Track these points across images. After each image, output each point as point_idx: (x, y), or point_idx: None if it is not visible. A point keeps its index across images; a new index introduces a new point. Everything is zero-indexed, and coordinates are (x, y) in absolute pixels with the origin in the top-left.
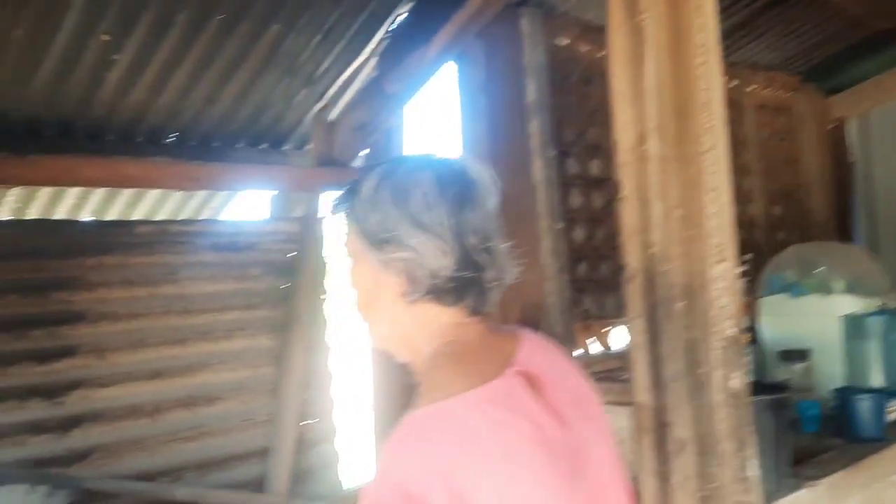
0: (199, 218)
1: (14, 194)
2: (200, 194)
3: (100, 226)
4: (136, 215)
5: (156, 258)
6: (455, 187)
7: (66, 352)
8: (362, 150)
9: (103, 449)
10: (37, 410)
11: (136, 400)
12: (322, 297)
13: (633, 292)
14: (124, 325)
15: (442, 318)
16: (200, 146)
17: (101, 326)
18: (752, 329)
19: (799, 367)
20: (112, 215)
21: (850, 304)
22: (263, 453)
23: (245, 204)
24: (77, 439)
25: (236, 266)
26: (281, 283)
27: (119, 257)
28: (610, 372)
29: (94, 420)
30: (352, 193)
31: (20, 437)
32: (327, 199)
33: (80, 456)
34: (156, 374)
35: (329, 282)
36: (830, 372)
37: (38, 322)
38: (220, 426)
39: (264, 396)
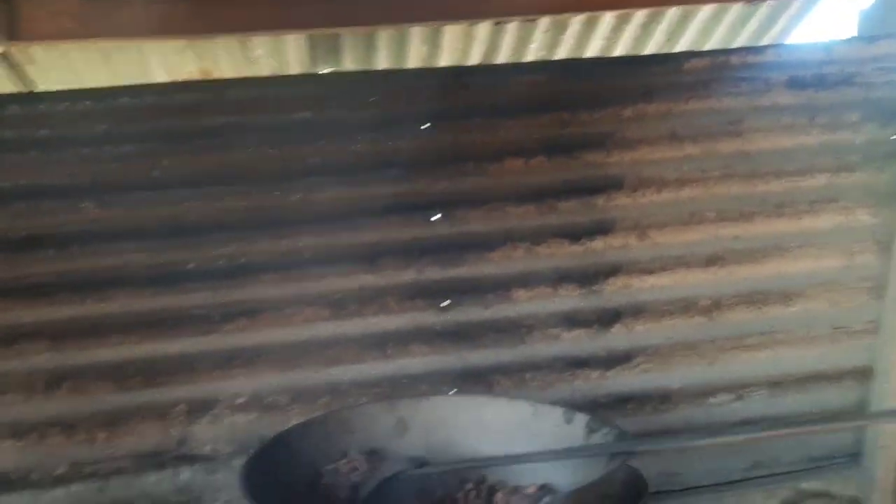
0: (768, 43)
1: (539, 35)
2: (763, 8)
3: (636, 64)
4: (681, 46)
5: (711, 103)
6: None
7: (602, 228)
8: None
9: (648, 352)
10: (570, 298)
11: (688, 292)
12: None
13: None
14: (671, 195)
15: None
16: None
17: (642, 196)
18: None
19: None
20: (650, 49)
21: None
22: (863, 375)
23: (832, 18)
24: (617, 337)
25: (823, 110)
26: (891, 132)
27: (663, 104)
28: None
29: (636, 315)
30: None
31: (553, 330)
32: None
33: (621, 358)
34: (713, 260)
35: None
36: None
37: (568, 190)
38: (799, 333)
39: (863, 295)
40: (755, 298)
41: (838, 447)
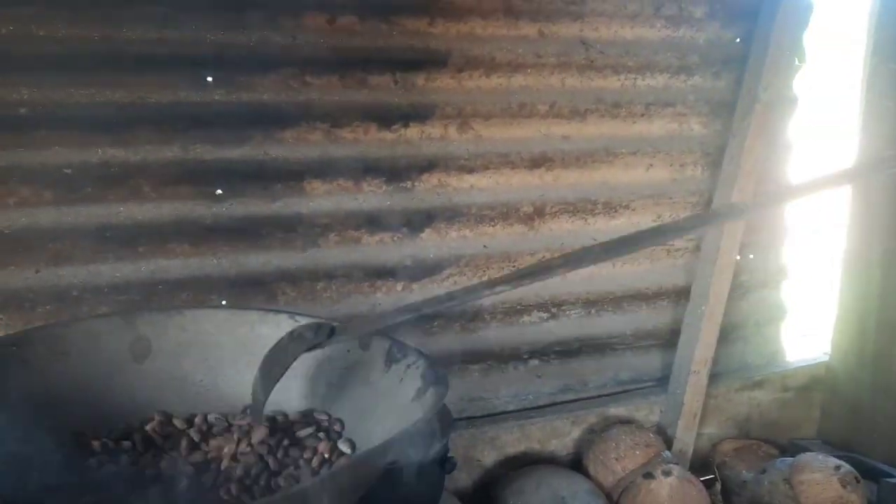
0: None
1: None
2: None
3: None
4: None
5: None
6: None
7: (418, 113)
8: None
9: (461, 262)
10: (375, 196)
11: (510, 197)
12: (795, 61)
13: None
14: (501, 81)
15: None
16: None
17: (468, 78)
18: None
19: None
20: None
21: None
22: (679, 295)
23: None
24: (427, 245)
25: (671, 2)
26: (734, 33)
27: None
28: None
29: (451, 220)
30: None
31: (353, 233)
32: None
33: (430, 269)
34: (539, 161)
35: (811, 37)
36: None
37: (382, 62)
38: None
39: (688, 211)
40: (580, 208)
41: (646, 371)
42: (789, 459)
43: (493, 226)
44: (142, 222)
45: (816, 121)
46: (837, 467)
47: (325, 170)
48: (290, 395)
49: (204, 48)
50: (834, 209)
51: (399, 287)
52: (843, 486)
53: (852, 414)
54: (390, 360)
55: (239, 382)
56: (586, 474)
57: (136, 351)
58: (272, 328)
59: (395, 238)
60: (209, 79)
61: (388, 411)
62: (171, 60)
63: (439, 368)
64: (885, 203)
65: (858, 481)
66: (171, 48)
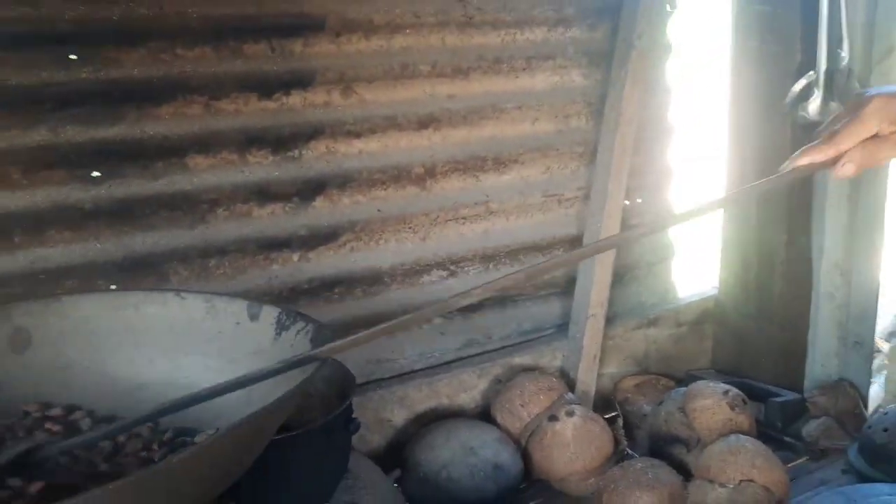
0: None
1: None
2: None
3: None
4: None
5: None
6: None
7: (299, 80)
8: None
9: (356, 228)
10: (262, 167)
11: (400, 159)
12: (667, 7)
13: None
14: (381, 43)
15: None
16: None
17: (347, 42)
18: None
19: None
20: None
21: None
22: (572, 243)
23: None
24: (320, 212)
25: None
26: None
27: None
28: None
29: (342, 186)
30: None
31: (242, 206)
32: None
33: (326, 236)
34: (426, 122)
35: None
36: None
37: (255, 30)
38: (513, 202)
39: (575, 161)
40: (470, 165)
41: (547, 320)
42: (683, 389)
43: (385, 189)
44: (15, 211)
45: (691, 64)
46: (726, 392)
47: (207, 144)
48: (185, 371)
49: (64, 25)
50: (713, 147)
51: (295, 257)
52: (732, 409)
53: (740, 342)
54: (280, 327)
55: (126, 365)
56: (495, 423)
57: (15, 343)
58: (158, 307)
59: (287, 208)
60: (73, 56)
61: (280, 381)
62: (30, 39)
63: (328, 331)
64: (757, 136)
65: (745, 403)
66: (28, 26)
